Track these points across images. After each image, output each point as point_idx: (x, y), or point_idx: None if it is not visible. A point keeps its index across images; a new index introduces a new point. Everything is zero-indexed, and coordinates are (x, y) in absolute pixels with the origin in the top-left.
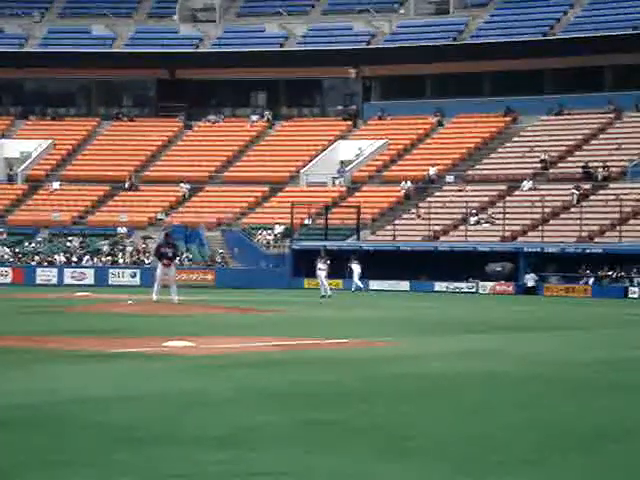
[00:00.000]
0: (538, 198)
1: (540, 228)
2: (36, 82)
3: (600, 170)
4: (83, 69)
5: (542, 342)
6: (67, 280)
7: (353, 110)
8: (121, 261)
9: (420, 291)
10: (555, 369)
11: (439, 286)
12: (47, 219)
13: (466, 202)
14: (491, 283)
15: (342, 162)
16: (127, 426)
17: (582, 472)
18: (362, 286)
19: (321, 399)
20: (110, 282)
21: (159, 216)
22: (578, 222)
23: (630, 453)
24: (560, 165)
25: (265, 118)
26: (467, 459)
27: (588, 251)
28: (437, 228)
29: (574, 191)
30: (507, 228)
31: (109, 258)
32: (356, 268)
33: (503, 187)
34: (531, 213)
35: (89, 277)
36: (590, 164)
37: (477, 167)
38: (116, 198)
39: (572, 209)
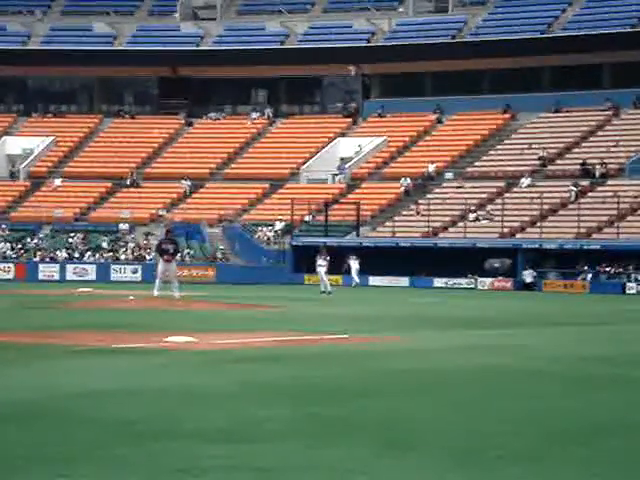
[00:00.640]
0: (536, 195)
1: (538, 224)
2: (38, 79)
3: (598, 167)
4: (85, 67)
5: (541, 337)
6: (69, 276)
7: (353, 107)
8: (123, 257)
9: (419, 287)
10: (554, 364)
11: (438, 282)
12: (49, 215)
13: (465, 199)
14: (490, 279)
15: (342, 159)
16: (128, 421)
17: (581, 467)
18: (358, 281)
19: (322, 394)
20: (112, 278)
21: (160, 212)
22: (576, 218)
23: (630, 448)
24: (558, 162)
25: (266, 115)
26: (467, 453)
27: (586, 247)
28: (436, 225)
29: (572, 188)
30: (506, 224)
31: (111, 254)
32: (354, 264)
33: (502, 184)
34: (530, 210)
35: (91, 273)
36: (588, 161)
37: (476, 164)
38: (118, 195)
39: (570, 206)
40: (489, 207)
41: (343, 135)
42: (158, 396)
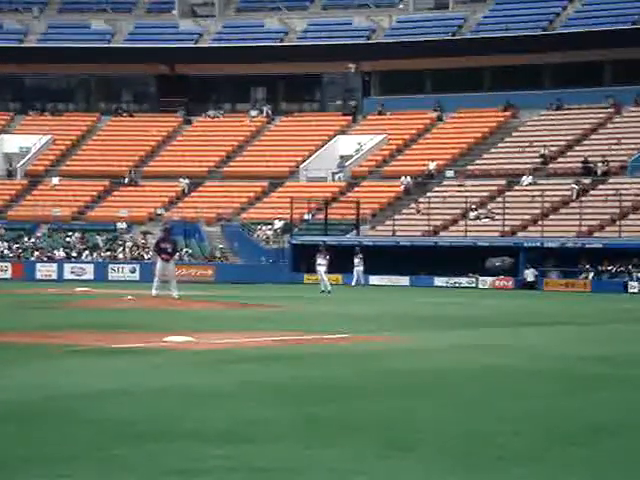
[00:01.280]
0: (538, 193)
1: (540, 223)
2: (35, 77)
3: (600, 165)
4: (82, 64)
5: (542, 337)
6: (67, 275)
7: (353, 105)
8: (121, 256)
9: (420, 286)
10: (555, 364)
11: (439, 281)
12: (47, 214)
13: (466, 197)
14: (491, 278)
15: (342, 157)
16: (127, 421)
17: (582, 467)
18: (362, 281)
19: (321, 394)
20: (110, 277)
21: (158, 211)
22: (578, 217)
23: (630, 448)
24: (560, 160)
25: (265, 113)
26: (467, 454)
27: (588, 246)
28: (437, 223)
29: (574, 186)
30: (507, 223)
31: (109, 253)
32: (358, 263)
33: (503, 182)
34: (531, 208)
35: (89, 272)
36: (590, 159)
37: (477, 162)
38: (115, 193)
39: (572, 204)
40: (490, 205)
41: (343, 133)
42: (157, 396)
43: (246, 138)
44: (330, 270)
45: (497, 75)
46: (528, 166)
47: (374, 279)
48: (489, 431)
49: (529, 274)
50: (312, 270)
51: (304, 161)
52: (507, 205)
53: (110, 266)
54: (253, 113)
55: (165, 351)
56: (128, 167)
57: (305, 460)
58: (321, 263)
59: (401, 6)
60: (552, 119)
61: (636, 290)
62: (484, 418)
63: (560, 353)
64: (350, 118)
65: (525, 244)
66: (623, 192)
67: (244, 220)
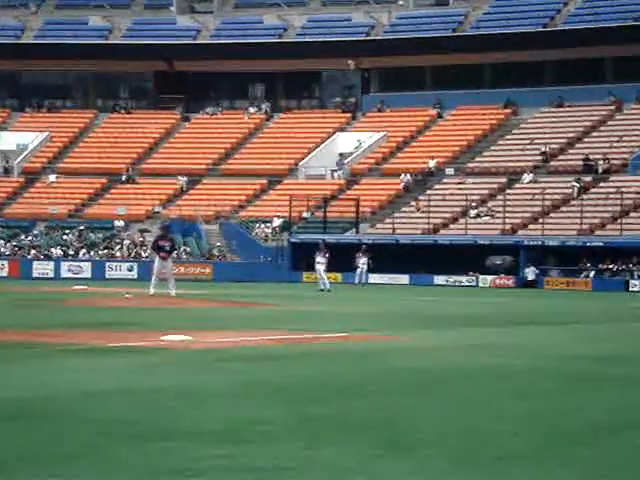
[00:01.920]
0: (538, 191)
1: (540, 221)
2: (32, 74)
3: (601, 162)
4: (80, 61)
5: (542, 336)
6: (64, 273)
7: (352, 102)
8: (118, 254)
9: (420, 285)
10: (555, 362)
11: (439, 280)
12: (44, 212)
13: (466, 195)
14: (491, 276)
15: (341, 154)
16: (125, 420)
17: (582, 466)
18: (364, 280)
19: (320, 393)
20: (107, 275)
21: (156, 209)
22: (579, 215)
23: (631, 448)
24: (561, 157)
25: (263, 110)
26: (466, 453)
27: (589, 244)
28: (437, 221)
29: (575, 184)
30: (507, 221)
31: (106, 251)
32: (361, 261)
33: (503, 180)
34: (531, 206)
35: (86, 270)
36: (591, 156)
37: (477, 159)
38: (113, 191)
39: (573, 202)
40: (490, 203)
41: (342, 130)
42: (155, 395)
43: (244, 135)
44: (329, 268)
45: (498, 72)
46: (529, 164)
47: (374, 277)
48: (489, 430)
49: (530, 273)
50: (311, 268)
51: (303, 158)
52: (508, 203)
53: (107, 264)
54: (251, 110)
55: (163, 350)
56: (126, 164)
57: (305, 460)
58: (320, 261)
59: (401, 2)
60: (553, 116)
61: (637, 289)
62: (484, 417)
63: (560, 352)
64: (349, 115)
65: (526, 242)
66: (624, 190)
67: (243, 218)
